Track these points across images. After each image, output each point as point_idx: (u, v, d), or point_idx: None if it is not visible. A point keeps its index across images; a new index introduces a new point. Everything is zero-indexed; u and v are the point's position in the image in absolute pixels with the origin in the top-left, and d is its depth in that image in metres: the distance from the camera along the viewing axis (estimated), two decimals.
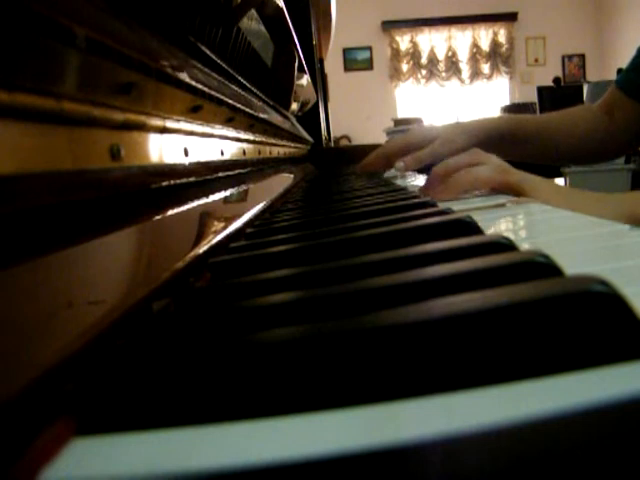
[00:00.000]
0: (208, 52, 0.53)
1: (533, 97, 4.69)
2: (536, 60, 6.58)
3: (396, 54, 6.42)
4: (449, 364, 0.14)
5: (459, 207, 0.50)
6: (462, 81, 6.47)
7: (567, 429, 0.11)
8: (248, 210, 0.50)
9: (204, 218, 0.38)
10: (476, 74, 6.47)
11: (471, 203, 0.54)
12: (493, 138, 0.88)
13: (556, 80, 4.70)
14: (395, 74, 6.43)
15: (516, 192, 0.55)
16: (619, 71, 1.02)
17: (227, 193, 0.47)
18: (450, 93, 6.47)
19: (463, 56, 6.48)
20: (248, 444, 0.12)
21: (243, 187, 0.56)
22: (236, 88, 0.60)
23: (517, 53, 6.54)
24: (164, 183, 0.34)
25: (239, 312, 0.21)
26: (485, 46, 6.50)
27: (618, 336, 0.14)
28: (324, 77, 2.85)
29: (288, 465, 0.11)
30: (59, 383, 0.15)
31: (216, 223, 0.40)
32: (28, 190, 0.20)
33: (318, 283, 0.24)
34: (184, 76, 0.36)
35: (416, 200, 0.47)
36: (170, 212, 0.32)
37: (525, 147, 0.92)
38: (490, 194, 0.59)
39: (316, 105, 2.05)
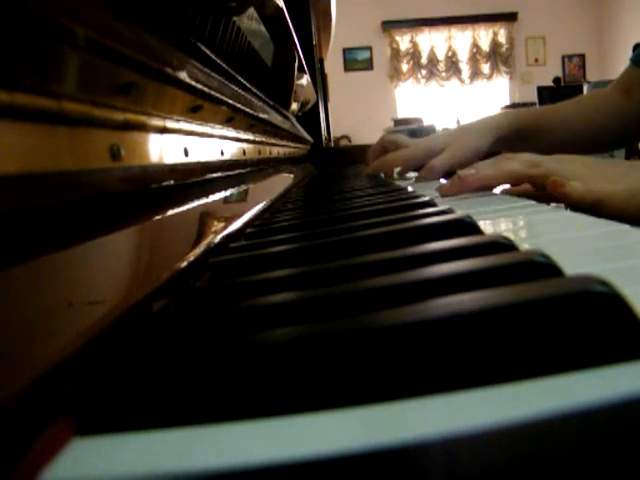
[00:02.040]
0: (208, 52, 0.53)
1: (533, 97, 4.69)
2: (536, 60, 6.58)
3: (396, 54, 6.42)
4: (449, 364, 0.14)
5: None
6: (462, 81, 6.47)
7: (567, 429, 0.11)
8: (248, 210, 0.50)
9: (204, 218, 0.38)
10: (476, 74, 6.48)
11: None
12: (507, 135, 0.85)
13: (556, 80, 4.70)
14: (395, 74, 6.44)
15: (546, 181, 0.49)
16: (635, 47, 0.96)
17: (227, 193, 0.47)
18: (450, 93, 6.47)
19: (463, 56, 6.49)
20: (248, 444, 0.12)
21: (243, 187, 0.56)
22: (236, 88, 0.60)
23: (517, 53, 6.55)
24: (164, 183, 0.34)
25: (239, 312, 0.21)
26: (485, 46, 6.50)
27: (618, 336, 0.14)
28: (324, 77, 2.85)
29: (288, 465, 0.11)
30: (59, 383, 0.15)
31: (216, 223, 0.40)
32: (28, 190, 0.20)
33: (318, 283, 0.24)
34: (184, 76, 0.36)
35: (416, 200, 0.47)
36: (170, 212, 0.32)
37: (543, 140, 0.88)
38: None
39: (316, 105, 2.05)
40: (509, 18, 6.44)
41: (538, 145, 0.88)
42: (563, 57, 6.60)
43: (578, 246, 0.29)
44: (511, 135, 0.86)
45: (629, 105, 0.88)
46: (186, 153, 0.39)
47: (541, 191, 0.51)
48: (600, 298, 0.15)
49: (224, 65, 0.60)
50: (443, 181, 0.81)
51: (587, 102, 0.95)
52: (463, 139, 0.82)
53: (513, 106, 5.22)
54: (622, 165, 0.51)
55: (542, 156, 0.54)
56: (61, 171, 0.22)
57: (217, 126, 0.49)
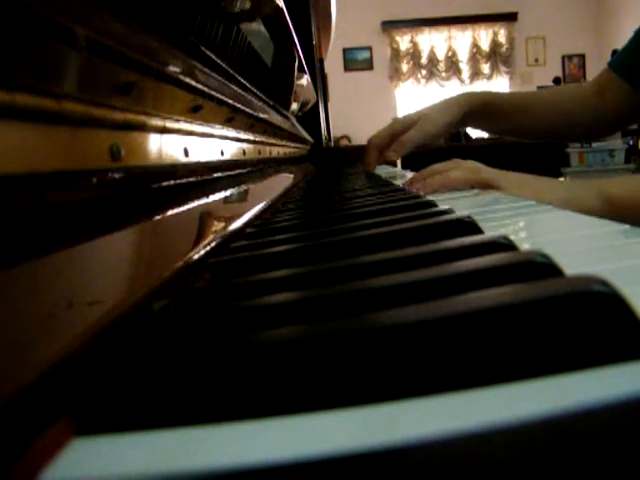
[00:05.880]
0: (208, 52, 0.53)
1: None
2: (536, 60, 6.58)
3: (396, 54, 6.42)
4: (449, 364, 0.14)
5: (441, 197, 0.61)
6: (462, 81, 6.47)
7: (567, 429, 0.11)
8: (248, 210, 0.50)
9: (204, 218, 0.38)
10: (476, 74, 6.47)
11: (451, 194, 0.63)
12: (475, 111, 0.91)
13: (556, 80, 4.70)
14: (395, 74, 6.43)
15: (487, 187, 0.62)
16: (613, 53, 1.02)
17: (227, 193, 0.47)
18: (450, 93, 6.45)
19: (463, 56, 6.48)
20: (248, 444, 0.12)
21: (243, 187, 0.56)
22: (236, 88, 0.60)
23: (517, 53, 6.54)
24: (164, 183, 0.34)
25: (239, 312, 0.21)
26: (485, 46, 6.50)
27: (618, 336, 0.14)
28: (324, 77, 2.85)
29: (288, 465, 0.11)
30: (59, 383, 0.15)
31: (216, 223, 0.40)
32: (28, 190, 0.20)
33: (318, 283, 0.24)
34: (184, 76, 0.36)
35: (417, 200, 0.47)
36: (170, 212, 0.32)
37: (507, 121, 0.94)
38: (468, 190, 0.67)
39: (316, 105, 2.05)
40: (509, 18, 6.44)
41: (507, 126, 0.95)
42: (563, 57, 6.60)
43: (578, 246, 0.29)
44: (481, 111, 0.92)
45: (600, 105, 0.93)
46: (186, 153, 0.39)
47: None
48: (600, 298, 0.15)
49: (224, 65, 0.60)
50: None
51: (564, 91, 1.02)
52: (431, 115, 0.89)
53: None
54: (548, 180, 0.63)
55: (480, 164, 0.67)
56: (61, 171, 0.22)
57: (217, 126, 0.49)
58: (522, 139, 1.01)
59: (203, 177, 0.44)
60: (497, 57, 6.49)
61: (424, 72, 6.44)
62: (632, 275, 0.22)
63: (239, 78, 0.68)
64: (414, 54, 6.43)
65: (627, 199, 0.56)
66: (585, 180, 0.61)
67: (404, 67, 6.43)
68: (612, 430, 0.10)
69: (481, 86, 6.46)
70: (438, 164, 0.69)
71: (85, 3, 0.24)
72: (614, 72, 0.91)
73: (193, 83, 0.38)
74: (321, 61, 2.67)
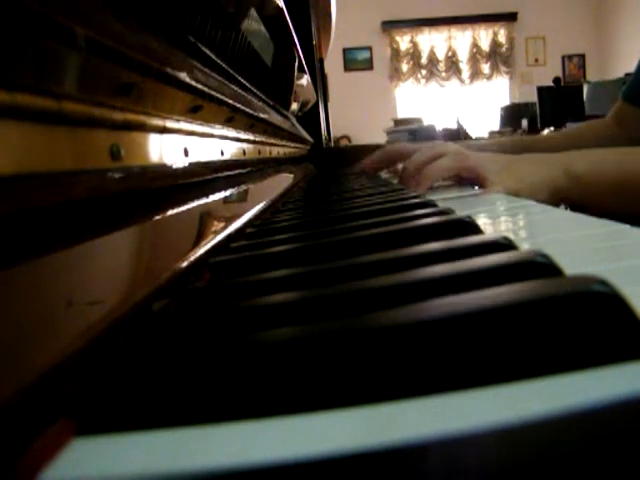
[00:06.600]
0: (208, 52, 0.53)
1: (533, 97, 4.68)
2: (536, 60, 6.58)
3: (396, 54, 6.42)
4: (449, 364, 0.14)
5: (440, 196, 0.63)
6: (462, 81, 6.47)
7: (567, 429, 0.11)
8: (248, 210, 0.50)
9: (204, 218, 0.38)
10: (476, 74, 6.48)
11: (450, 193, 0.65)
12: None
13: (556, 80, 4.70)
14: (395, 74, 6.44)
15: (475, 173, 0.63)
16: (623, 83, 1.06)
17: (227, 193, 0.47)
18: (450, 93, 6.47)
19: (463, 56, 6.49)
20: (248, 444, 0.12)
21: (243, 187, 0.56)
22: (236, 88, 0.60)
23: (517, 53, 6.54)
24: (164, 183, 0.34)
25: (239, 312, 0.21)
26: (485, 46, 6.50)
27: (618, 336, 0.14)
28: (324, 77, 2.84)
29: (288, 465, 0.11)
30: (59, 383, 0.15)
31: (216, 223, 0.40)
32: (28, 190, 0.20)
33: (318, 283, 0.24)
34: (184, 76, 0.36)
35: (416, 200, 0.47)
36: (170, 212, 0.32)
37: None
38: (463, 186, 0.69)
39: (316, 105, 2.05)
40: (509, 18, 6.44)
41: None
42: (563, 57, 6.60)
43: (578, 246, 0.29)
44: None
45: (620, 134, 0.95)
46: (186, 153, 0.39)
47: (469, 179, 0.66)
48: (600, 298, 0.15)
49: (224, 65, 0.60)
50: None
51: (590, 128, 1.02)
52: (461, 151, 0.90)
53: (513, 106, 5.21)
54: (526, 163, 0.63)
55: (465, 150, 0.67)
56: (61, 171, 0.22)
57: (217, 126, 0.49)
58: None
59: (203, 177, 0.44)
60: (497, 57, 6.49)
61: (424, 72, 6.44)
62: (632, 275, 0.22)
63: (239, 78, 0.68)
64: (414, 54, 6.43)
65: (591, 174, 0.60)
66: (553, 155, 0.63)
67: (404, 67, 6.43)
68: (612, 430, 0.10)
69: (481, 86, 6.47)
70: (419, 154, 0.68)
71: (85, 3, 0.24)
72: (626, 102, 0.94)
73: (193, 83, 0.38)
74: (321, 61, 2.66)
